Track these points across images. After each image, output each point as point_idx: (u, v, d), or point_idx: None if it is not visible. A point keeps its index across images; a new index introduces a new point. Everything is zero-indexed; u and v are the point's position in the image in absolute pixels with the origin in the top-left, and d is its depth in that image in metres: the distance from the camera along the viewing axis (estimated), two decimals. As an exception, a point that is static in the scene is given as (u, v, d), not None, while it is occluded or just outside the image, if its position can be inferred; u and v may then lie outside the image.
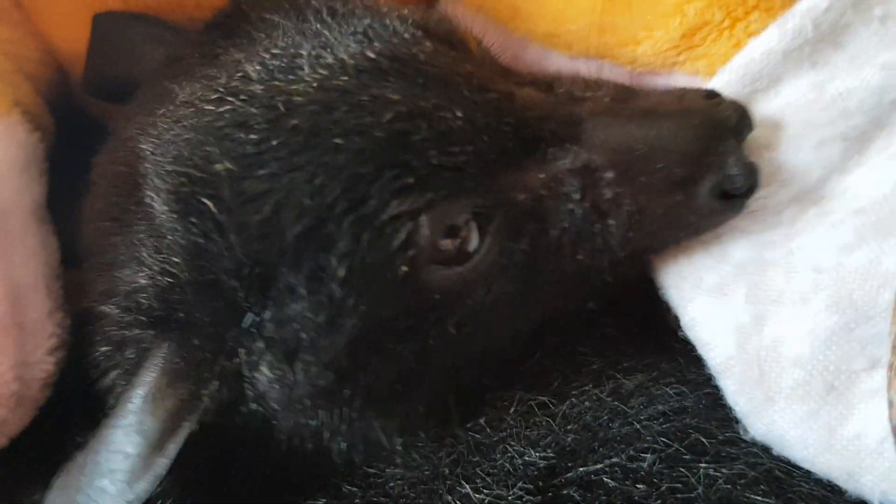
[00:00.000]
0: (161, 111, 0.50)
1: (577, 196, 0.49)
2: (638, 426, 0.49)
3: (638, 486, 0.46)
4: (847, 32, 0.50)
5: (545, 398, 0.51)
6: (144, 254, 0.48)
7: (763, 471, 0.48)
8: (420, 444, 0.51)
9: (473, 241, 0.47)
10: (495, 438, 0.50)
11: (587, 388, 0.52)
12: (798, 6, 0.49)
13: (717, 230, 0.50)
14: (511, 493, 0.47)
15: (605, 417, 0.50)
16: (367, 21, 0.49)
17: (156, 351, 0.46)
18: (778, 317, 0.47)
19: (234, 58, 0.50)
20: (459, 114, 0.46)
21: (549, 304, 0.52)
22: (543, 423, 0.50)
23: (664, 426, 0.49)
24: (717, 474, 0.47)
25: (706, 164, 0.48)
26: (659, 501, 0.46)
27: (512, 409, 0.51)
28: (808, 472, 0.47)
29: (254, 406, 0.48)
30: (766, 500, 0.46)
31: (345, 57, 0.47)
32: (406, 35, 0.49)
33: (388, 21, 0.50)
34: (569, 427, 0.50)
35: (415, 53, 0.48)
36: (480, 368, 0.52)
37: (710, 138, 0.48)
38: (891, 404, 0.43)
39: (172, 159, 0.47)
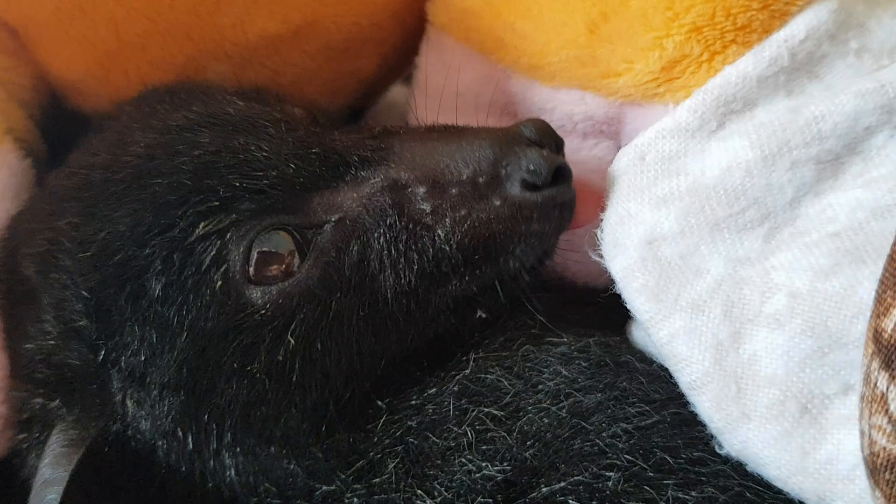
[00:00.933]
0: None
1: (392, 212, 0.54)
2: (601, 444, 0.49)
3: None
4: (823, 63, 0.52)
5: (499, 413, 0.51)
6: (28, 324, 0.54)
7: (733, 494, 0.48)
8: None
9: (296, 260, 0.52)
10: (447, 448, 0.51)
11: (545, 404, 0.51)
12: (775, 35, 0.51)
13: (690, 245, 0.51)
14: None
15: (566, 434, 0.50)
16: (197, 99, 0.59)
17: (57, 425, 0.51)
18: (754, 336, 0.47)
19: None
20: (265, 146, 0.54)
21: (414, 315, 0.55)
22: (499, 438, 0.50)
23: (628, 444, 0.49)
24: (686, 497, 0.47)
25: (504, 166, 0.53)
26: None
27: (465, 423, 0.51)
28: (779, 493, 0.47)
29: (131, 433, 0.52)
30: None
31: (170, 122, 0.56)
32: (220, 97, 0.58)
33: (211, 93, 0.60)
34: (528, 443, 0.50)
35: (227, 109, 0.56)
36: (358, 379, 0.54)
37: (504, 144, 0.54)
38: (863, 434, 0.43)
39: (34, 225, 0.56)
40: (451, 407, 0.52)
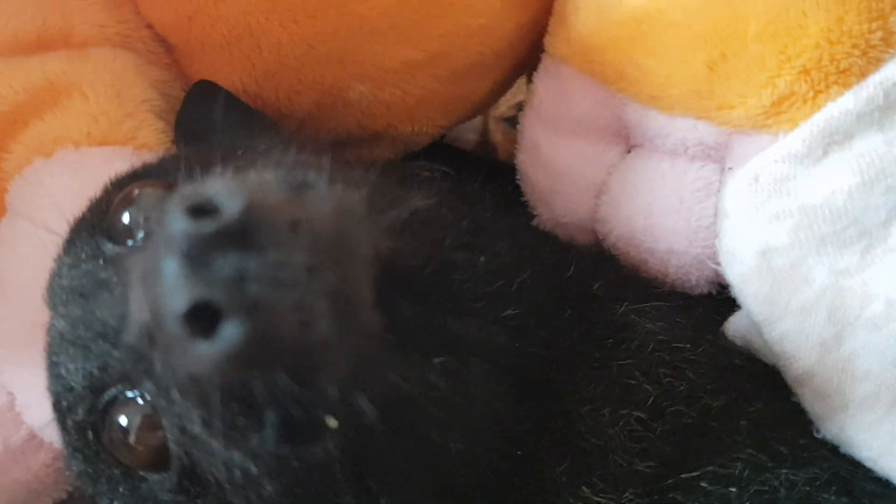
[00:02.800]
0: None
1: None
2: (727, 440, 0.58)
3: (731, 488, 0.55)
4: (911, 104, 0.62)
5: (643, 415, 0.59)
6: None
7: (832, 473, 0.57)
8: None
9: None
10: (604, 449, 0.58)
11: (679, 407, 0.59)
12: (871, 78, 0.60)
13: (799, 257, 0.58)
14: (623, 497, 0.56)
15: (698, 433, 0.58)
16: None
17: None
18: (854, 337, 0.57)
19: None
20: None
21: None
22: (645, 438, 0.58)
23: (748, 438, 0.58)
24: (796, 478, 0.56)
25: None
26: (748, 502, 0.55)
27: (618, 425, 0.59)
28: (868, 471, 0.57)
29: None
30: (839, 499, 0.55)
31: None
32: None
33: None
34: (668, 440, 0.58)
35: None
36: None
37: None
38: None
39: None
40: (606, 412, 0.58)
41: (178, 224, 0.36)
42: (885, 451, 0.57)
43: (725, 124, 0.64)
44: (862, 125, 0.61)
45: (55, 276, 0.55)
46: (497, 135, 1.09)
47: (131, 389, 0.48)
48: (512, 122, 1.07)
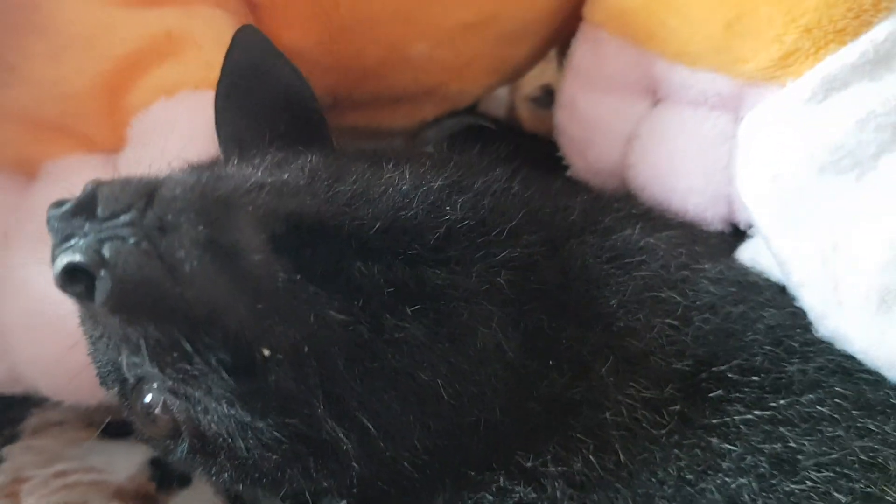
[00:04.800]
0: None
1: None
2: (747, 340, 0.67)
3: (753, 377, 0.64)
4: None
5: (676, 322, 0.68)
6: None
7: (835, 364, 0.67)
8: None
9: None
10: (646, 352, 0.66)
11: (706, 315, 0.69)
12: (864, 36, 0.72)
13: (803, 182, 0.70)
14: (665, 391, 0.64)
15: (723, 335, 0.68)
16: None
17: None
18: (849, 247, 0.68)
19: None
20: None
21: None
22: (680, 342, 0.67)
23: (765, 337, 0.68)
24: (806, 367, 0.66)
25: None
26: (768, 386, 0.65)
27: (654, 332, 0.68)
28: (861, 363, 0.67)
29: None
30: (843, 383, 0.66)
31: None
32: None
33: None
34: (698, 343, 0.67)
35: None
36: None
37: None
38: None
39: None
40: (641, 317, 0.67)
41: (49, 217, 0.49)
42: (873, 344, 0.69)
43: (740, 76, 0.77)
44: (856, 75, 0.73)
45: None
46: (523, 111, 1.22)
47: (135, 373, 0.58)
48: (537, 101, 1.21)
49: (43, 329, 0.73)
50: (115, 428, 0.80)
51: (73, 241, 0.46)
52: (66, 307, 0.69)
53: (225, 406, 0.54)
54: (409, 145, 0.92)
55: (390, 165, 0.67)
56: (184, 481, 0.78)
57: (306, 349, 0.54)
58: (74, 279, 0.46)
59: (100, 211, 0.47)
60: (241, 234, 0.51)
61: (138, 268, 0.46)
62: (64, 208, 0.47)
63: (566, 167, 0.93)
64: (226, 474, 0.61)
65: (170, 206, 0.49)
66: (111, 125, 0.76)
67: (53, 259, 0.47)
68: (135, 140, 0.74)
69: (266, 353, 0.52)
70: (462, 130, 0.99)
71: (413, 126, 0.96)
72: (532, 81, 1.18)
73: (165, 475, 0.78)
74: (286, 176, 0.61)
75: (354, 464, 0.59)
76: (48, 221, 0.48)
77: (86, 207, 0.47)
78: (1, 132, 0.77)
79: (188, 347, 0.50)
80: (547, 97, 1.22)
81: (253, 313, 0.52)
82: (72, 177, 0.76)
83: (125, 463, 0.77)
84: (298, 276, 0.54)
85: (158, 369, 0.52)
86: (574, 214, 0.76)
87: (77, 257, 0.45)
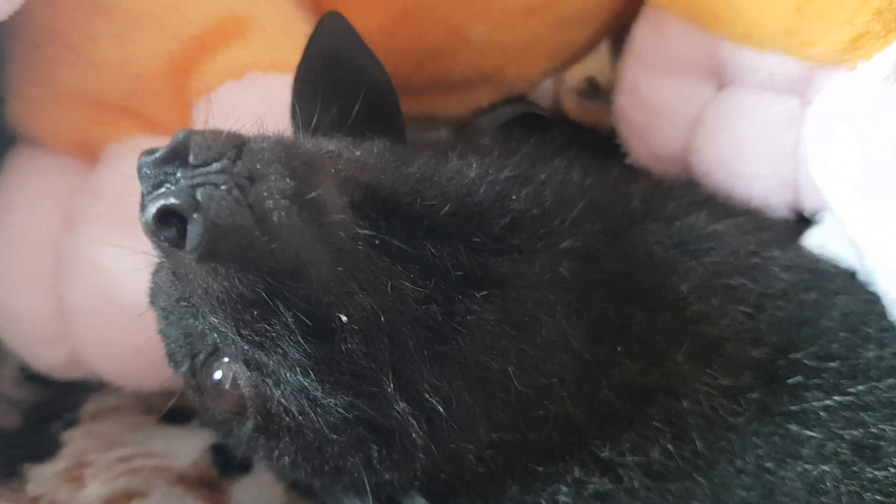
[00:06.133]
0: None
1: None
2: (822, 327, 0.68)
3: (829, 364, 0.65)
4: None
5: (749, 310, 0.68)
6: None
7: None
8: None
9: None
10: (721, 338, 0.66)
11: (779, 302, 0.69)
12: (931, 24, 0.74)
13: (876, 160, 0.69)
14: (741, 379, 0.65)
15: (797, 323, 0.68)
16: None
17: None
18: None
19: None
20: None
21: None
22: (755, 329, 0.67)
23: (840, 324, 0.68)
24: (882, 353, 0.66)
25: None
26: (846, 372, 0.64)
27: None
28: None
29: None
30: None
31: None
32: None
33: None
34: (773, 330, 0.67)
35: None
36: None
37: None
38: None
39: None
40: (714, 303, 0.67)
41: (140, 164, 0.49)
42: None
43: (809, 59, 0.77)
44: (923, 59, 0.74)
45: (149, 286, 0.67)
46: (568, 103, 1.23)
47: (208, 346, 0.58)
48: (582, 93, 1.22)
49: (108, 311, 0.73)
50: (175, 414, 0.81)
51: (164, 187, 0.47)
52: (132, 291, 0.71)
53: (298, 375, 0.54)
54: (466, 133, 0.92)
55: (455, 155, 0.68)
56: (245, 468, 0.79)
57: (382, 319, 0.54)
58: (166, 224, 0.47)
59: (192, 158, 0.48)
60: (325, 192, 0.52)
61: (230, 214, 0.47)
62: (156, 155, 0.48)
63: (622, 155, 0.93)
64: (287, 458, 0.61)
65: (259, 157, 0.49)
66: (176, 107, 0.76)
67: (144, 205, 0.48)
68: (200, 122, 0.75)
69: (344, 319, 0.52)
70: (514, 118, 0.99)
71: (467, 113, 0.97)
72: (576, 74, 1.19)
73: (227, 461, 0.78)
74: (358, 153, 0.61)
75: (421, 454, 0.59)
76: (139, 169, 0.48)
77: (178, 155, 0.48)
78: (64, 113, 0.78)
79: (270, 302, 0.50)
80: (591, 89, 1.23)
81: (333, 275, 0.52)
82: (133, 160, 0.76)
83: (187, 448, 0.78)
84: (378, 242, 0.54)
85: (235, 329, 0.52)
86: (635, 202, 0.77)
87: (172, 200, 0.46)
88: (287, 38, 0.79)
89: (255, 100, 0.74)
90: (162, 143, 0.76)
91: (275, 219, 0.48)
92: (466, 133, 0.93)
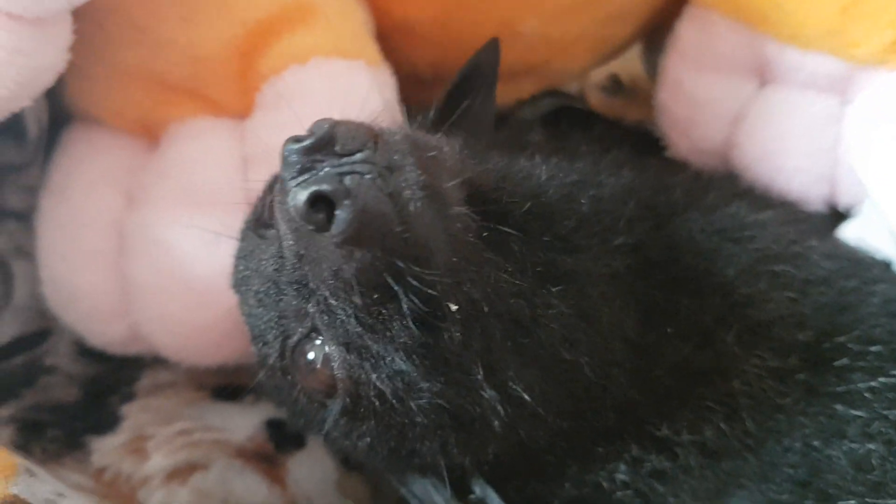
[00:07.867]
0: None
1: None
2: (862, 313, 0.72)
3: (872, 347, 0.68)
4: None
5: (794, 295, 0.73)
6: None
7: None
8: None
9: None
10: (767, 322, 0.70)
11: (821, 289, 0.73)
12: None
13: None
14: (788, 361, 0.69)
15: (839, 309, 0.72)
16: None
17: None
18: None
19: None
20: None
21: None
22: (799, 314, 0.71)
23: (880, 310, 0.72)
24: None
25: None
26: (888, 355, 0.68)
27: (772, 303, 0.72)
28: None
29: None
30: None
31: None
32: None
33: None
34: (816, 316, 0.72)
35: None
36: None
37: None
38: None
39: None
40: (761, 287, 0.71)
41: (287, 151, 0.52)
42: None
43: (851, 59, 0.81)
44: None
45: (234, 270, 0.70)
46: (593, 99, 1.27)
47: (305, 327, 0.61)
48: (605, 90, 1.27)
49: (172, 288, 0.76)
50: (226, 391, 0.84)
51: (311, 175, 0.51)
52: (197, 268, 0.74)
53: (400, 358, 0.57)
54: (511, 126, 0.96)
55: (524, 156, 0.73)
56: (299, 443, 0.82)
57: (485, 310, 0.58)
58: (316, 208, 0.50)
59: (338, 148, 0.52)
60: (447, 185, 0.56)
61: (376, 201, 0.51)
62: (304, 143, 0.51)
63: (659, 149, 0.97)
64: (367, 440, 0.63)
65: (394, 149, 0.54)
66: (241, 90, 0.79)
67: (288, 190, 0.51)
68: (265, 106, 0.78)
69: (453, 307, 0.56)
70: (552, 111, 1.03)
71: (509, 104, 1.00)
72: (601, 70, 1.23)
73: (282, 436, 0.81)
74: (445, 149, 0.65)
75: (496, 440, 0.63)
76: (285, 155, 0.52)
77: (326, 144, 0.51)
78: (127, 92, 0.81)
79: (394, 286, 0.53)
80: (614, 86, 1.28)
81: (449, 265, 0.56)
82: (198, 141, 0.80)
83: (242, 423, 0.81)
84: (485, 234, 0.58)
85: (352, 311, 0.55)
86: (676, 193, 0.81)
87: (324, 186, 0.50)
88: (348, 25, 0.82)
89: (320, 84, 0.77)
90: (224, 126, 0.80)
91: (411, 208, 0.53)
92: (511, 125, 0.96)
